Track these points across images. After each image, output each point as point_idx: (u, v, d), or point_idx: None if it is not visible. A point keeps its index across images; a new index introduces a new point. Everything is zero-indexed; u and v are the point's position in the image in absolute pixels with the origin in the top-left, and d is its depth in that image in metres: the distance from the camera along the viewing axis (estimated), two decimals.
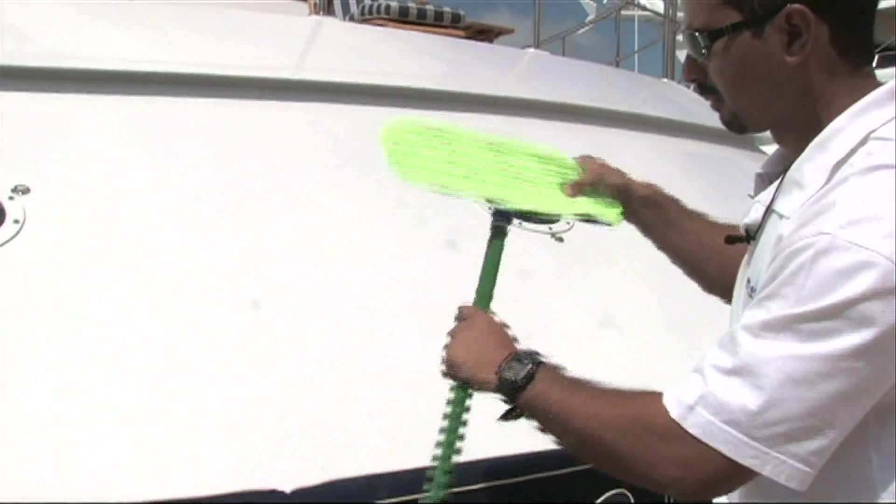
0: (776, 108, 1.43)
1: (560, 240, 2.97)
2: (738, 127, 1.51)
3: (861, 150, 1.32)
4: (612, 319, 2.77)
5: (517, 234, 2.96)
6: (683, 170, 3.70)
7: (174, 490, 1.87)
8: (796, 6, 1.33)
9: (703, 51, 1.43)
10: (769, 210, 1.45)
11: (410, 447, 2.12)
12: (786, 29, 1.34)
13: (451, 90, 3.58)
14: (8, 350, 2.09)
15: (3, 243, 2.28)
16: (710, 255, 1.85)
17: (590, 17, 10.92)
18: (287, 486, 1.92)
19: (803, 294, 1.23)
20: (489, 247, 1.95)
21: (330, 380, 2.29)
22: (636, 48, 13.25)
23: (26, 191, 2.41)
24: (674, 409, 1.32)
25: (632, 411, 1.39)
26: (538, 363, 1.55)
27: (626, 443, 1.37)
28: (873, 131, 1.33)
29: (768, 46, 1.37)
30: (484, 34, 5.79)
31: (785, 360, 1.24)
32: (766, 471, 1.26)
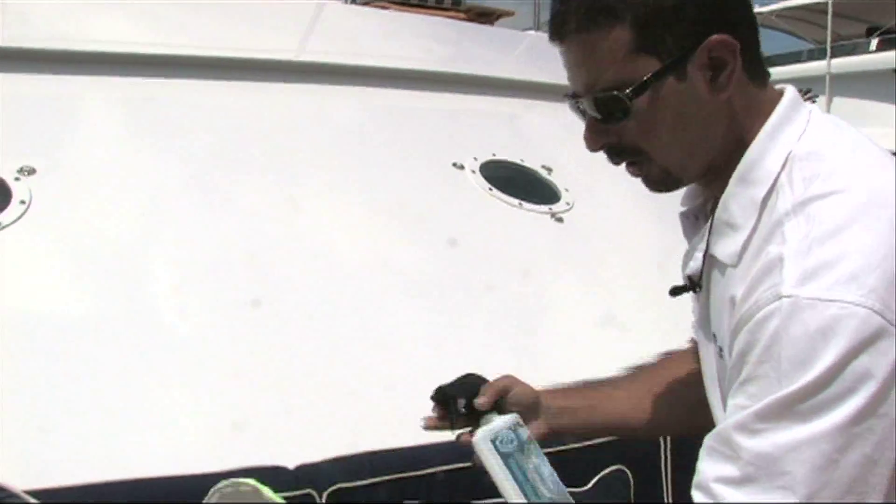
0: (707, 149, 1.28)
1: (560, 220, 2.97)
2: (673, 183, 1.34)
3: (784, 178, 1.21)
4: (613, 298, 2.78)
5: (517, 214, 2.98)
6: None
7: (180, 467, 1.87)
8: (716, 37, 1.20)
9: (621, 113, 1.25)
10: (707, 255, 1.32)
11: (411, 425, 2.13)
12: (707, 64, 1.22)
13: (452, 72, 3.58)
14: (12, 330, 2.10)
15: (10, 224, 2.28)
16: (662, 401, 1.69)
17: None
18: (290, 463, 1.93)
19: (784, 369, 1.11)
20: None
21: (332, 361, 2.29)
22: None
23: (32, 171, 2.41)
24: None
25: None
26: None
27: None
28: (791, 152, 1.23)
29: (694, 87, 1.23)
30: (484, 17, 5.80)
31: (799, 448, 1.09)
32: None
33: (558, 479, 1.53)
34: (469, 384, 1.57)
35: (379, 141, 3.10)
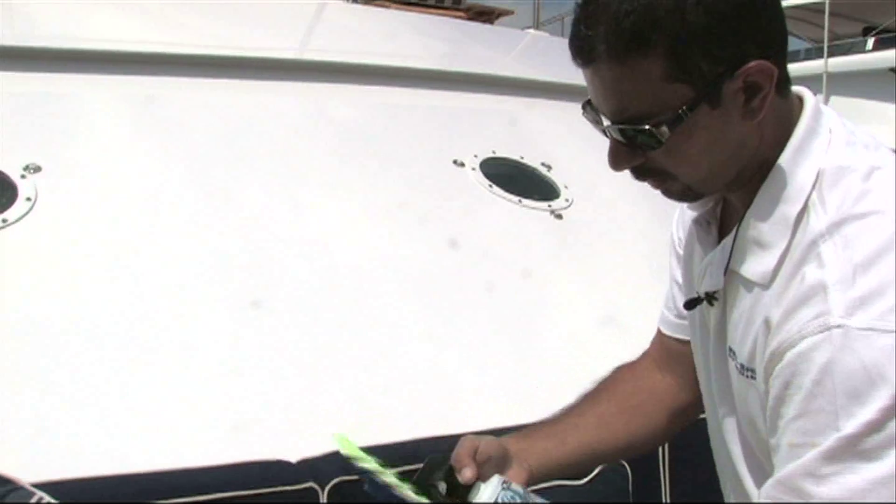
0: (735, 167, 1.23)
1: (559, 217, 2.98)
2: (693, 198, 1.31)
3: (815, 196, 1.18)
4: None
5: (517, 211, 2.98)
6: None
7: (186, 461, 1.88)
8: (754, 64, 1.14)
9: (651, 144, 1.18)
10: (728, 270, 1.27)
11: (410, 420, 2.14)
12: (742, 87, 1.15)
13: (453, 70, 3.58)
14: (18, 325, 2.11)
15: (16, 220, 2.29)
16: (633, 416, 1.63)
17: None
18: (293, 457, 1.93)
19: (841, 403, 1.06)
20: None
21: (334, 358, 2.30)
22: None
23: (38, 169, 2.42)
24: None
25: None
26: None
27: None
28: (820, 168, 1.19)
29: (727, 112, 1.16)
30: (484, 16, 5.79)
31: (871, 491, 1.06)
32: None
33: None
34: (435, 466, 1.47)
35: (380, 138, 3.11)
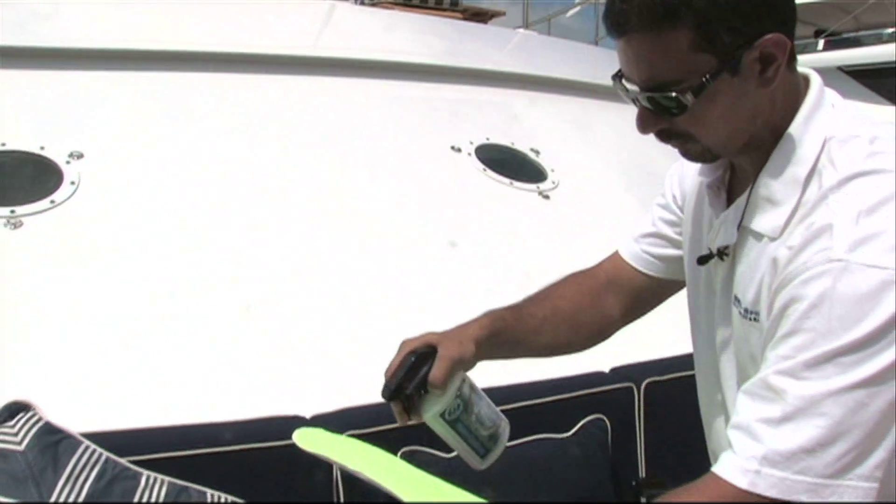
0: (749, 132, 1.24)
1: (546, 197, 2.99)
2: (711, 159, 1.32)
3: (824, 157, 1.20)
4: None
5: (509, 192, 2.99)
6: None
7: (208, 416, 1.91)
8: (771, 37, 1.16)
9: (677, 109, 1.20)
10: (741, 227, 1.29)
11: None
12: (758, 58, 1.17)
13: (451, 65, 3.58)
14: (65, 296, 2.13)
15: (63, 202, 2.32)
16: (577, 320, 1.63)
17: (575, 2, 10.89)
18: (307, 413, 1.96)
19: (833, 325, 1.10)
20: None
21: (346, 324, 2.33)
22: None
23: (80, 156, 2.45)
24: (740, 479, 1.15)
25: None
26: None
27: None
28: (827, 135, 1.22)
29: (745, 80, 1.18)
30: (479, 16, 5.77)
31: (838, 393, 1.10)
32: (845, 499, 1.13)
33: (494, 409, 1.48)
34: (413, 368, 1.40)
35: (384, 127, 3.12)
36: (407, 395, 1.39)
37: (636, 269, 1.61)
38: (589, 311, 1.63)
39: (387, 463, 1.38)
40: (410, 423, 1.43)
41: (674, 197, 1.53)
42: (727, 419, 1.37)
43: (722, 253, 1.33)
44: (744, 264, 1.29)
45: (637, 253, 1.61)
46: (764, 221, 1.25)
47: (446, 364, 1.40)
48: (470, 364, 1.45)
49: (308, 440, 1.46)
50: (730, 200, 1.35)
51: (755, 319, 1.25)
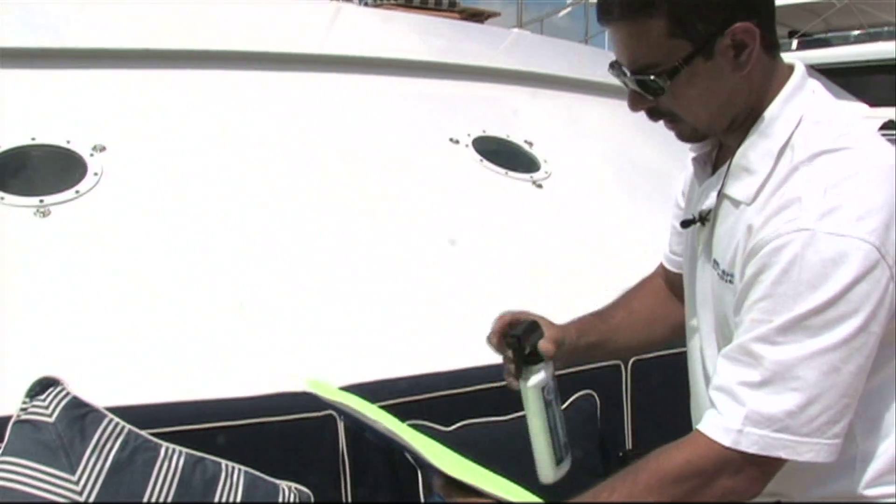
0: (730, 113, 1.28)
1: (540, 186, 2.99)
2: (701, 138, 1.37)
3: (797, 134, 1.24)
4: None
5: (504, 181, 2.99)
6: (641, 130, 3.69)
7: (231, 392, 1.92)
8: (740, 25, 1.20)
9: (658, 89, 1.26)
10: (720, 195, 1.32)
11: (411, 358, 2.16)
12: (731, 44, 1.21)
13: (449, 62, 3.58)
14: (85, 281, 2.14)
15: (87, 192, 2.33)
16: (651, 330, 1.68)
17: (566, 3, 10.88)
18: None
19: (801, 289, 1.14)
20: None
21: (355, 305, 2.33)
22: (602, 29, 13.10)
23: (103, 149, 2.45)
24: (724, 438, 1.19)
25: (682, 461, 1.23)
26: None
27: (686, 487, 1.22)
28: (802, 115, 1.25)
29: (719, 65, 1.22)
30: (476, 17, 5.75)
31: (812, 357, 1.14)
32: (820, 458, 1.17)
33: (563, 417, 1.45)
34: (531, 329, 1.42)
35: (387, 120, 3.11)
36: (521, 349, 1.39)
37: (670, 270, 1.66)
38: (660, 310, 1.67)
39: (396, 421, 1.37)
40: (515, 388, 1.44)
41: (682, 193, 1.57)
42: (706, 375, 1.42)
43: (703, 218, 1.37)
44: (722, 229, 1.33)
45: (668, 256, 1.67)
46: (739, 188, 1.29)
47: (554, 338, 1.47)
48: (565, 350, 1.50)
49: (321, 388, 1.47)
50: (714, 173, 1.39)
51: (730, 281, 1.29)
